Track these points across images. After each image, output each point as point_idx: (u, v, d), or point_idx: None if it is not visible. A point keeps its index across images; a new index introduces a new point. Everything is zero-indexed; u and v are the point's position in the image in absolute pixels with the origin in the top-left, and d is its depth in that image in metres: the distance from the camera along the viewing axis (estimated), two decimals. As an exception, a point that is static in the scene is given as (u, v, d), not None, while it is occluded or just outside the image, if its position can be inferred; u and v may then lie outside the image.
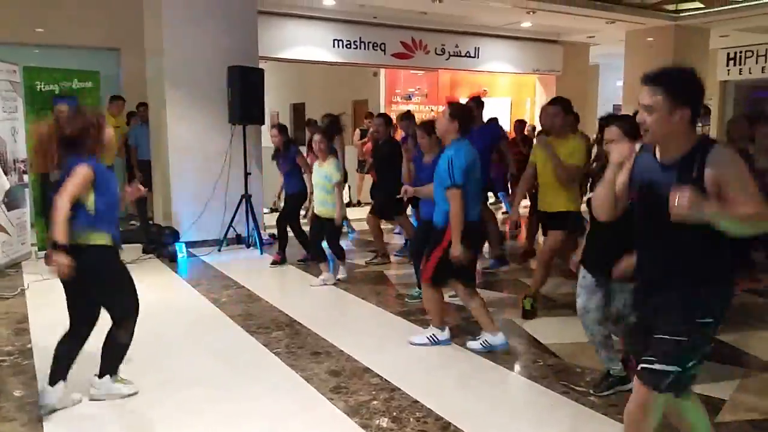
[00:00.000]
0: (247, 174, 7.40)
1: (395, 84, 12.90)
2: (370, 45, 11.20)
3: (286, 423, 3.15)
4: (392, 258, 6.90)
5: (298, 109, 15.31)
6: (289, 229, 6.59)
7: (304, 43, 10.56)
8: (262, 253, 7.19)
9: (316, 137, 5.76)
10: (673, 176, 2.22)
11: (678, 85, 2.21)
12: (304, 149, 7.97)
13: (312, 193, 6.25)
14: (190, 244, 7.19)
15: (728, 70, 13.94)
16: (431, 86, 13.05)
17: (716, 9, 10.56)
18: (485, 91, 13.54)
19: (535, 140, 6.04)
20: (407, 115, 6.91)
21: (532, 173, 4.94)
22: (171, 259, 6.77)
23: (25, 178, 6.79)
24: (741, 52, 13.63)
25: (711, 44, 12.16)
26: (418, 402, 3.34)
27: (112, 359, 3.36)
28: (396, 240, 8.02)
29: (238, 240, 7.59)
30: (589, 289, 3.41)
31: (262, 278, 6.25)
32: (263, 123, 7.71)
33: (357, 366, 3.86)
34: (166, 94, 7.31)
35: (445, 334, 4.25)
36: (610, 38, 12.45)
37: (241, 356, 4.08)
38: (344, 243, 6.59)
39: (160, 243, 7.02)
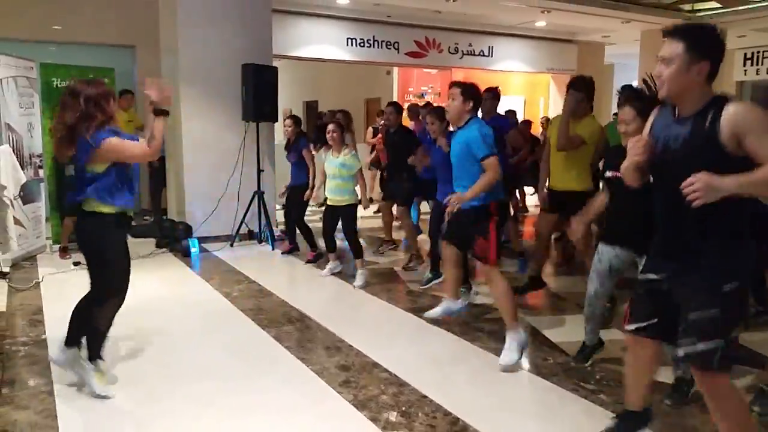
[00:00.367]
0: (259, 171, 7.44)
1: (408, 83, 12.91)
2: (384, 43, 11.21)
3: (296, 416, 3.17)
4: (401, 247, 6.97)
5: (311, 107, 15.37)
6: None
7: (318, 41, 10.60)
8: (273, 249, 7.22)
9: (330, 126, 5.79)
10: (686, 130, 2.21)
11: (699, 37, 2.19)
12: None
13: (314, 187, 6.38)
14: (202, 240, 7.24)
15: (745, 71, 13.77)
16: (444, 85, 13.01)
17: (733, 9, 10.47)
18: (498, 89, 13.52)
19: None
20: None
21: (549, 150, 5.00)
22: (184, 254, 6.83)
23: (41, 172, 6.87)
24: (758, 52, 13.45)
25: (728, 44, 12.01)
26: (426, 397, 3.35)
27: (82, 334, 3.40)
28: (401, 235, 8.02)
29: (250, 236, 7.64)
30: (602, 274, 3.49)
31: (274, 273, 6.29)
32: (276, 120, 7.75)
33: (367, 361, 3.87)
34: (180, 91, 7.36)
35: (524, 336, 3.89)
36: (625, 38, 12.37)
37: (252, 350, 4.11)
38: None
39: (174, 238, 7.08)
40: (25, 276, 5.87)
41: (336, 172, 5.68)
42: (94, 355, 3.44)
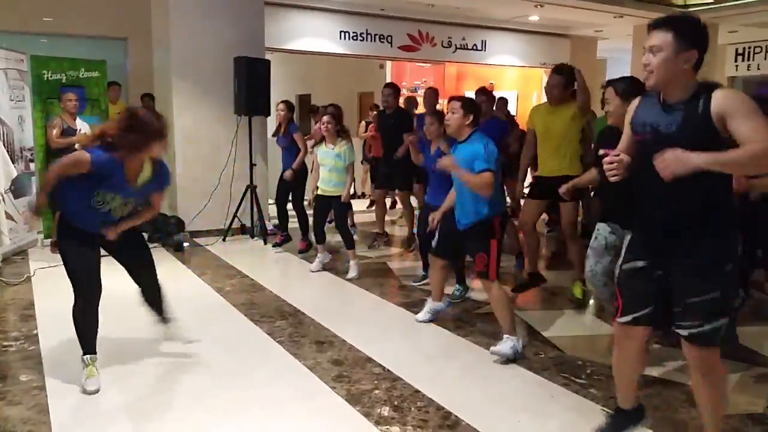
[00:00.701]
0: (252, 165, 7.42)
1: (401, 76, 12.88)
2: (377, 37, 11.17)
3: (289, 410, 3.18)
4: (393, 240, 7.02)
5: (304, 101, 15.33)
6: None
7: (311, 34, 10.55)
8: (266, 244, 7.22)
9: (326, 118, 5.79)
10: (678, 116, 2.25)
11: (687, 27, 2.26)
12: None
13: (298, 168, 6.52)
14: (194, 234, 7.23)
15: (736, 66, 13.87)
16: (438, 79, 13.02)
17: (725, 4, 10.50)
18: (492, 84, 13.52)
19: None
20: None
21: (531, 139, 5.03)
22: (176, 249, 6.82)
23: (32, 166, 6.83)
24: (750, 47, 13.55)
25: (719, 39, 12.08)
26: (419, 392, 3.37)
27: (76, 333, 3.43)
28: (398, 232, 8.04)
29: (243, 230, 7.63)
30: (598, 252, 3.53)
31: (266, 268, 6.29)
32: (269, 114, 7.73)
33: (359, 355, 3.89)
34: (172, 84, 7.33)
35: (520, 343, 3.92)
36: (617, 33, 12.39)
37: (244, 345, 4.12)
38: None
39: (166, 232, 7.06)
40: (17, 270, 5.85)
41: (332, 163, 5.69)
42: (82, 345, 3.44)
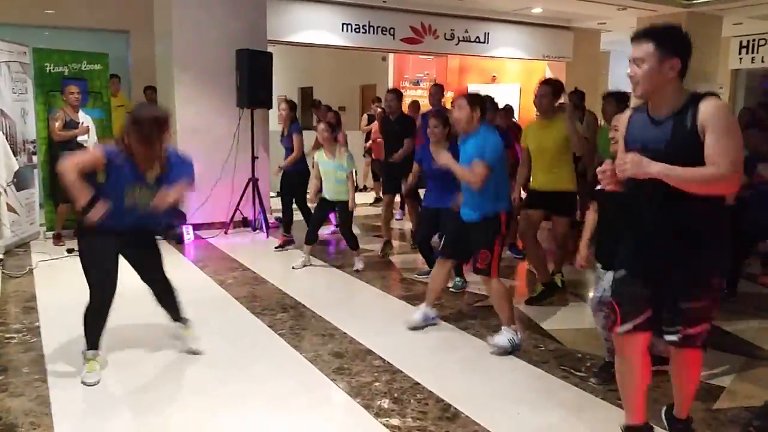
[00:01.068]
0: (254, 158, 7.43)
1: (404, 69, 12.85)
2: (379, 29, 11.13)
3: (290, 402, 3.20)
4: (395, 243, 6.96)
5: (306, 93, 15.31)
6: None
7: (313, 26, 10.53)
8: (268, 237, 7.23)
9: (321, 126, 5.81)
10: (666, 130, 2.26)
11: (667, 36, 2.27)
12: (309, 136, 8.01)
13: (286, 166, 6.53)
14: (196, 227, 7.25)
15: (740, 59, 13.78)
16: (440, 71, 13.00)
17: (729, -4, 10.44)
18: (494, 77, 13.48)
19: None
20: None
21: (526, 158, 5.05)
22: (178, 241, 6.84)
23: (34, 158, 6.84)
24: (754, 40, 13.46)
25: (723, 32, 12.01)
26: (419, 384, 3.38)
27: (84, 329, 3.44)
28: (397, 226, 8.04)
29: (245, 223, 7.65)
30: (596, 280, 3.49)
31: (268, 261, 6.30)
32: (271, 107, 7.73)
33: (360, 348, 3.90)
34: (174, 76, 7.33)
35: (519, 337, 3.94)
36: (621, 25, 12.32)
37: (245, 337, 4.14)
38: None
39: (167, 225, 7.07)
40: (19, 263, 5.87)
41: (334, 175, 5.72)
42: (87, 340, 3.45)
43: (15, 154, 6.44)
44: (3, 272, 5.51)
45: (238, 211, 7.47)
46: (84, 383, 3.33)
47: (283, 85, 14.54)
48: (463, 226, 4.03)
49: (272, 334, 4.16)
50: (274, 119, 7.44)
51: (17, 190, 6.45)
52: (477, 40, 12.19)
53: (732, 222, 2.46)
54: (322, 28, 10.61)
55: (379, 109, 9.73)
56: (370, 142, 9.79)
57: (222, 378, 3.48)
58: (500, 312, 3.94)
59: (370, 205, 9.68)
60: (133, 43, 9.96)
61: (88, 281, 3.36)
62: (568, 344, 4.00)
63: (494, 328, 4.25)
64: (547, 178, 4.86)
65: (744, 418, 3.07)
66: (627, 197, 2.48)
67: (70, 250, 6.18)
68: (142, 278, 3.66)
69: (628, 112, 2.52)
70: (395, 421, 2.99)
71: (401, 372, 3.54)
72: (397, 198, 7.09)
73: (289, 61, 14.36)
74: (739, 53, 13.69)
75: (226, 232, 7.37)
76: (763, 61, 13.37)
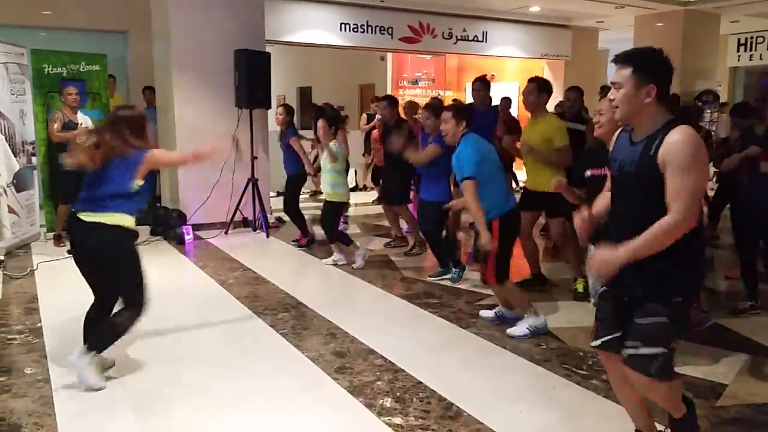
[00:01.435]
0: (253, 158, 7.43)
1: (402, 68, 12.85)
2: (378, 29, 11.14)
3: (292, 402, 3.20)
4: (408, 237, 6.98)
5: (304, 93, 15.30)
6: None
7: (311, 26, 10.53)
8: (268, 237, 7.23)
9: (319, 123, 5.82)
10: (636, 153, 2.27)
11: (645, 62, 2.26)
12: (310, 133, 8.01)
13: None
14: (197, 227, 7.24)
15: (738, 56, 13.83)
16: (438, 71, 13.00)
17: (727, -6, 10.46)
18: (493, 75, 13.48)
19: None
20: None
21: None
22: (178, 242, 6.83)
23: (34, 160, 6.84)
24: (752, 37, 13.50)
25: (721, 30, 12.04)
26: (421, 383, 3.39)
27: (102, 335, 3.36)
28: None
29: (245, 223, 7.64)
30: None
31: (269, 261, 6.30)
32: (270, 107, 7.73)
33: (362, 347, 3.90)
34: (173, 77, 7.32)
35: (540, 320, 4.09)
36: (619, 23, 12.35)
37: (247, 337, 4.14)
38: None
39: (168, 225, 7.08)
40: (20, 264, 5.87)
41: (326, 165, 5.79)
42: (99, 349, 3.39)
43: (14, 155, 6.43)
44: (4, 273, 5.51)
45: (238, 212, 7.47)
46: (88, 385, 3.30)
47: (281, 85, 14.53)
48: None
49: (274, 334, 4.16)
50: (273, 119, 7.43)
51: (17, 192, 6.44)
52: (475, 39, 12.20)
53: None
54: (321, 28, 10.62)
55: (378, 116, 9.74)
56: (373, 153, 9.65)
57: (224, 378, 3.48)
58: (515, 304, 4.14)
59: (372, 203, 9.68)
60: (131, 44, 9.94)
61: (135, 295, 3.34)
62: (570, 343, 4.00)
63: (496, 327, 4.28)
64: (533, 177, 4.93)
65: (747, 415, 3.07)
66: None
67: (70, 251, 6.17)
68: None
69: (617, 132, 2.53)
70: (398, 420, 2.99)
71: (403, 371, 3.54)
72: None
73: (288, 61, 14.35)
74: (738, 51, 13.73)
75: (226, 233, 7.37)
76: (761, 59, 13.41)
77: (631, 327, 2.33)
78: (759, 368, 3.65)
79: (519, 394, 3.35)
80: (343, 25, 10.80)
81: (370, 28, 11.08)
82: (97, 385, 3.29)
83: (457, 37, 11.97)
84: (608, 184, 2.56)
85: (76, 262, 3.41)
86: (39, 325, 4.27)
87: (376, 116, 9.29)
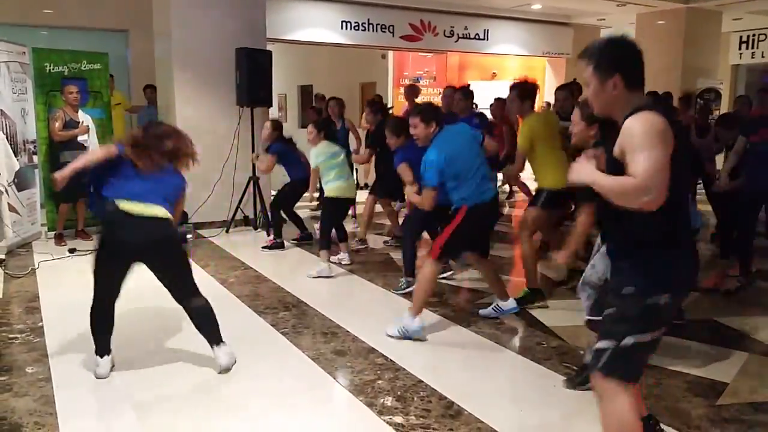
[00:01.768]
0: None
1: (403, 66, 12.85)
2: (379, 27, 11.14)
3: (293, 401, 3.21)
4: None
5: (305, 91, 15.29)
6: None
7: (312, 24, 10.53)
8: (269, 235, 7.22)
9: (309, 127, 5.88)
10: (611, 139, 2.23)
11: (602, 54, 2.24)
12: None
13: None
14: (198, 225, 7.25)
15: (740, 54, 13.79)
16: (440, 69, 12.99)
17: (729, -9, 10.44)
18: (494, 73, 13.47)
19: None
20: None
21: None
22: (182, 241, 6.82)
23: (35, 158, 6.84)
24: (754, 35, 13.46)
25: (723, 27, 12.01)
26: (422, 382, 3.39)
27: (213, 325, 3.58)
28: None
29: (246, 222, 7.65)
30: (595, 260, 3.48)
31: (270, 259, 6.30)
32: (271, 105, 7.74)
33: (362, 346, 3.91)
34: (174, 75, 7.32)
35: (416, 326, 4.02)
36: (620, 21, 12.33)
37: (248, 336, 4.14)
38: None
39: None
40: (21, 263, 5.88)
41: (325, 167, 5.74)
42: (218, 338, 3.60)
43: (15, 154, 6.43)
44: (5, 272, 5.51)
45: (239, 210, 7.47)
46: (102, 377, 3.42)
47: (282, 84, 14.53)
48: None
49: (274, 333, 4.16)
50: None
51: (18, 191, 6.45)
52: (477, 37, 12.19)
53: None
54: (322, 26, 10.62)
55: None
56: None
57: (225, 377, 3.48)
58: (415, 296, 4.09)
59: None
60: (132, 43, 9.94)
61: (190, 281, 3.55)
62: (570, 341, 4.00)
63: (497, 326, 4.28)
64: (542, 176, 4.87)
65: (747, 414, 3.07)
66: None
67: (72, 250, 6.19)
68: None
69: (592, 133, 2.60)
70: (398, 419, 3.00)
71: (404, 370, 3.54)
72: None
73: (289, 60, 14.35)
74: (739, 48, 13.69)
75: (227, 231, 7.37)
76: (763, 57, 13.37)
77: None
78: (760, 366, 3.65)
79: (519, 392, 3.35)
80: (344, 23, 10.80)
81: (371, 26, 11.07)
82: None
83: (458, 35, 11.96)
84: None
85: (118, 257, 3.35)
86: (40, 324, 4.28)
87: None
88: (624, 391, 2.18)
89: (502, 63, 13.56)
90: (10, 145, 6.34)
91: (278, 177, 7.01)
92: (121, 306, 3.50)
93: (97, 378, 3.41)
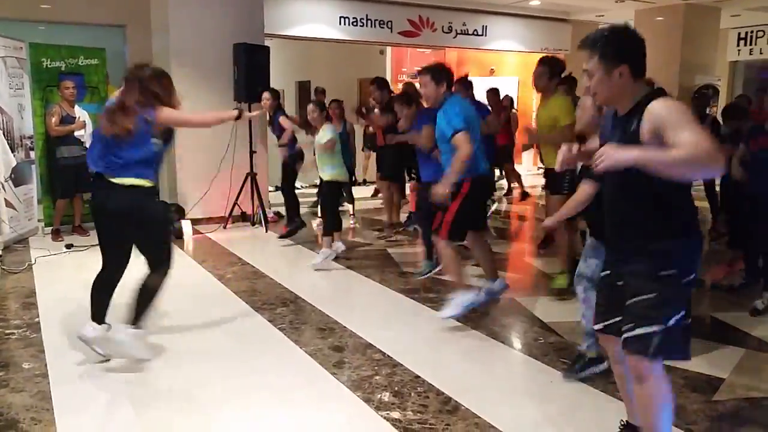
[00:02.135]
0: (252, 152, 7.41)
1: (402, 62, 12.82)
2: (377, 22, 11.09)
3: (291, 397, 3.21)
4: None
5: (303, 87, 15.26)
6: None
7: (310, 20, 10.49)
8: (267, 231, 7.22)
9: (310, 107, 5.83)
10: (619, 130, 2.25)
11: (609, 44, 2.21)
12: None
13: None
14: (195, 222, 7.24)
15: (739, 50, 13.77)
16: (438, 65, 12.96)
17: (727, -12, 10.42)
18: (492, 70, 13.45)
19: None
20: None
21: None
22: (177, 236, 6.82)
23: (32, 154, 6.82)
24: (752, 31, 13.44)
25: (722, 23, 11.99)
26: (419, 377, 3.39)
27: (140, 305, 3.48)
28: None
29: (243, 218, 7.64)
30: (586, 254, 3.48)
31: (267, 255, 6.30)
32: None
33: (360, 342, 3.91)
34: (172, 71, 7.16)
35: (471, 295, 4.13)
36: (619, 17, 12.28)
37: (246, 332, 4.14)
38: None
39: (166, 220, 7.06)
40: (18, 259, 5.86)
41: (320, 148, 5.73)
42: (138, 320, 3.52)
43: (12, 149, 6.42)
44: (2, 268, 5.50)
45: (236, 206, 7.46)
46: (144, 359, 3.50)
47: (280, 79, 14.46)
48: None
49: (272, 329, 4.16)
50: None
51: (15, 186, 6.43)
52: (475, 33, 12.16)
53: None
54: (320, 22, 10.57)
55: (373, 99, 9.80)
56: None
57: (223, 373, 3.48)
58: (451, 277, 4.16)
59: (371, 197, 9.68)
60: (129, 38, 9.88)
61: (157, 252, 3.48)
62: (567, 336, 4.00)
63: (495, 321, 4.28)
64: (545, 155, 4.92)
65: (743, 409, 3.08)
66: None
67: (69, 246, 6.18)
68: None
69: (605, 111, 2.52)
70: (396, 415, 3.00)
71: (401, 365, 3.55)
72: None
73: (287, 55, 14.29)
74: (738, 45, 13.68)
75: (225, 227, 7.36)
76: (761, 53, 13.36)
77: (626, 309, 2.30)
78: (756, 362, 3.66)
79: (517, 388, 3.35)
80: (342, 19, 10.76)
81: (369, 21, 11.03)
82: (147, 357, 3.48)
83: (456, 31, 11.92)
84: None
85: (98, 229, 3.48)
86: (37, 320, 4.27)
87: (375, 110, 9.25)
88: (663, 373, 2.28)
89: (501, 59, 13.53)
90: (7, 140, 6.33)
91: (277, 173, 7.00)
92: (116, 303, 3.49)
93: (79, 337, 3.45)
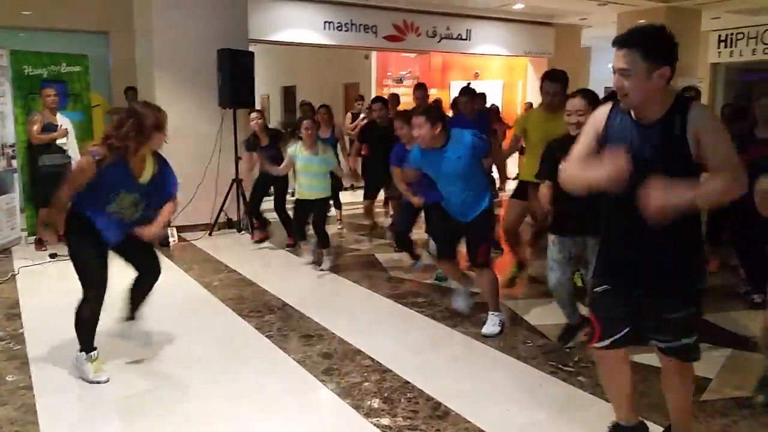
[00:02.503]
0: (237, 158, 7.38)
1: (387, 67, 12.85)
2: (362, 27, 11.11)
3: (279, 405, 3.18)
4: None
5: (288, 92, 15.25)
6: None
7: (295, 25, 10.48)
8: (253, 238, 7.18)
9: (306, 123, 5.79)
10: (653, 138, 2.19)
11: (655, 43, 2.11)
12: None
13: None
14: (180, 229, 7.18)
15: (719, 53, 13.95)
16: (423, 69, 12.99)
17: (708, -10, 10.55)
18: (477, 73, 13.51)
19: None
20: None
21: (515, 146, 5.30)
22: (162, 244, 6.76)
23: (14, 163, 6.73)
24: (732, 34, 13.62)
25: (702, 26, 12.14)
26: (409, 383, 3.38)
27: (78, 332, 3.43)
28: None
29: (230, 224, 7.59)
30: (563, 263, 3.62)
31: (254, 262, 6.26)
32: (253, 106, 7.68)
33: (349, 348, 3.89)
34: (155, 77, 7.25)
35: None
36: (602, 20, 12.41)
37: (233, 339, 4.11)
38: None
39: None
40: (1, 269, 5.78)
41: (316, 169, 5.70)
42: (84, 346, 3.44)
43: (-6, 158, 6.33)
44: (-16, 279, 5.43)
45: (222, 213, 7.42)
46: (97, 382, 3.38)
47: (265, 85, 14.46)
48: (456, 227, 4.15)
49: (260, 336, 4.13)
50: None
51: (-3, 195, 6.35)
52: (459, 37, 12.21)
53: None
54: (305, 27, 10.57)
55: (358, 103, 9.87)
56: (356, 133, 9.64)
57: (211, 381, 3.45)
58: (492, 297, 4.19)
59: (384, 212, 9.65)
60: (113, 44, 9.84)
61: (83, 281, 3.37)
62: (555, 339, 4.01)
63: (481, 325, 4.28)
64: (529, 166, 4.93)
65: (731, 409, 3.10)
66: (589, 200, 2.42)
67: (52, 255, 6.11)
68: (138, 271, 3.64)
69: (605, 108, 2.36)
70: (386, 421, 2.99)
71: (391, 371, 3.54)
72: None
73: (272, 60, 14.29)
74: (718, 47, 13.85)
75: (210, 234, 7.31)
76: (741, 55, 13.54)
77: (663, 321, 2.34)
78: (742, 362, 3.69)
79: (506, 392, 3.35)
80: (327, 24, 10.76)
81: (354, 26, 11.04)
82: (98, 379, 3.40)
83: (441, 35, 11.97)
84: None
85: (81, 248, 3.41)
86: (21, 331, 4.21)
87: (361, 115, 9.26)
88: None
89: (485, 63, 13.60)
90: (-11, 149, 6.24)
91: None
92: (102, 312, 3.45)
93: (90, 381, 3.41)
